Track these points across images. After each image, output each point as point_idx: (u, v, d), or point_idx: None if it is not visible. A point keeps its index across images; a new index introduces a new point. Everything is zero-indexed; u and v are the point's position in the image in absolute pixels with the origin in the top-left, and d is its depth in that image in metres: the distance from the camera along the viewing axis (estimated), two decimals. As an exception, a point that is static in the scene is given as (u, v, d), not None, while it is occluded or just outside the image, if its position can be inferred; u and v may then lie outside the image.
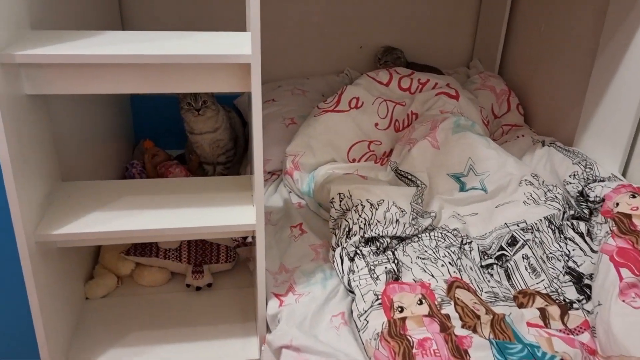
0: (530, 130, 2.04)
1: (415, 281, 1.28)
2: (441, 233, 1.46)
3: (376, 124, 1.86)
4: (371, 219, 1.42)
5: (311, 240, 1.53)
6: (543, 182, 1.60)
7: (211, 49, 1.17)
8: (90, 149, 1.68)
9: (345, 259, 1.35)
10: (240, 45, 1.21)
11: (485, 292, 1.27)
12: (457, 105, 1.90)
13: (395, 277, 1.28)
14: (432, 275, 1.28)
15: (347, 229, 1.42)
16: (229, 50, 1.16)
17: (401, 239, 1.45)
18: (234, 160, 2.11)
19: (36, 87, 1.17)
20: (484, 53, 2.44)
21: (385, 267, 1.30)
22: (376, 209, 1.44)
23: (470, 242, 1.44)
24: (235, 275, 1.69)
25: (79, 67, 1.15)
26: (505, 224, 1.51)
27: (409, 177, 1.65)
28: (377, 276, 1.27)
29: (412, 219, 1.48)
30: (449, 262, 1.33)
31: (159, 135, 2.30)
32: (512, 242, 1.42)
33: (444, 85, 1.98)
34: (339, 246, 1.39)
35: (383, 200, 1.47)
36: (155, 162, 2.10)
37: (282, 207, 1.72)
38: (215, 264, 1.65)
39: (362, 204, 1.45)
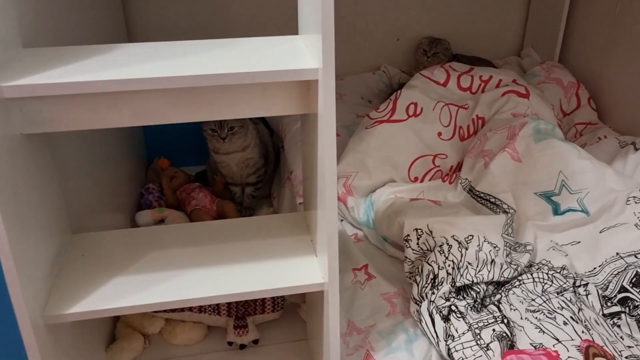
0: (611, 130, 1.75)
1: (534, 347, 0.99)
2: (546, 273, 1.18)
3: (439, 134, 1.56)
4: (460, 261, 1.14)
5: (382, 287, 1.24)
6: (655, 198, 1.31)
7: (265, 63, 0.88)
8: (99, 178, 1.40)
9: (437, 317, 1.06)
10: (297, 54, 0.92)
11: (626, 358, 0.99)
12: (530, 106, 1.61)
13: (509, 343, 1.00)
14: (558, 340, 1.00)
15: (431, 276, 1.13)
16: (290, 64, 0.87)
17: (498, 284, 1.17)
18: (265, 179, 1.83)
19: (34, 125, 0.88)
20: (540, 39, 2.13)
21: (494, 330, 1.02)
22: (466, 249, 1.15)
23: (587, 285, 1.16)
24: (284, 325, 1.41)
25: (90, 96, 0.86)
26: (618, 254, 1.22)
27: (491, 199, 1.36)
28: (487, 344, 0.99)
29: (506, 256, 1.20)
30: (571, 317, 1.05)
31: (174, 150, 2.03)
32: (638, 281, 1.14)
33: (510, 82, 1.68)
34: (424, 299, 1.11)
35: (472, 236, 1.18)
36: (175, 186, 1.85)
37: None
38: (261, 314, 1.37)
39: (447, 243, 1.16)
